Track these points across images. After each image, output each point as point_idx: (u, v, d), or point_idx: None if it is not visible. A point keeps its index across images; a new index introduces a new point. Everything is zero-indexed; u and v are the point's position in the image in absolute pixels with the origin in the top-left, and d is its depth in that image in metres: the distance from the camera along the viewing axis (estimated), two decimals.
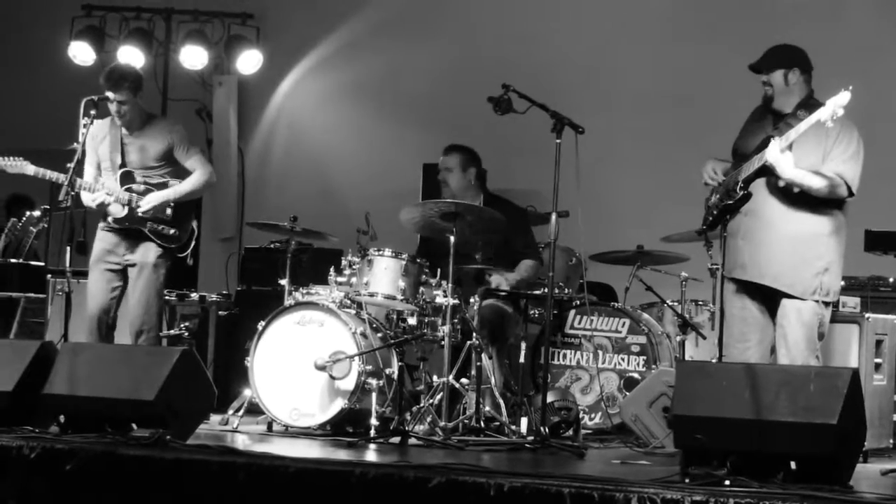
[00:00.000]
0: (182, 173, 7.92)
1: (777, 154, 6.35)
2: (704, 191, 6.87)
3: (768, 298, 6.62)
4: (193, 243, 7.98)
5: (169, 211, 7.83)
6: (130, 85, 7.78)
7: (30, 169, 7.75)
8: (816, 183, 6.42)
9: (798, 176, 6.40)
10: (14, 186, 10.64)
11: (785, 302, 6.54)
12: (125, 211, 7.79)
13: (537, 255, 8.15)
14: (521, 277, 7.98)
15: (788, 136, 6.37)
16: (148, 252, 7.80)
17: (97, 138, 7.88)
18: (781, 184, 6.47)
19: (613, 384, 8.33)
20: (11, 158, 7.79)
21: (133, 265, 7.80)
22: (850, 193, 6.52)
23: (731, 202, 6.60)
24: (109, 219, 7.84)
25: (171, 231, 7.83)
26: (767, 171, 6.52)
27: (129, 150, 7.87)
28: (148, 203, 7.75)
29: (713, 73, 9.81)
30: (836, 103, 6.20)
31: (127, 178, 7.84)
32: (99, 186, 7.78)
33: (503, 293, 7.90)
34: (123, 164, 7.85)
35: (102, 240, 7.86)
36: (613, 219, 9.90)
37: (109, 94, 7.69)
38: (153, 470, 5.52)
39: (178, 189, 7.86)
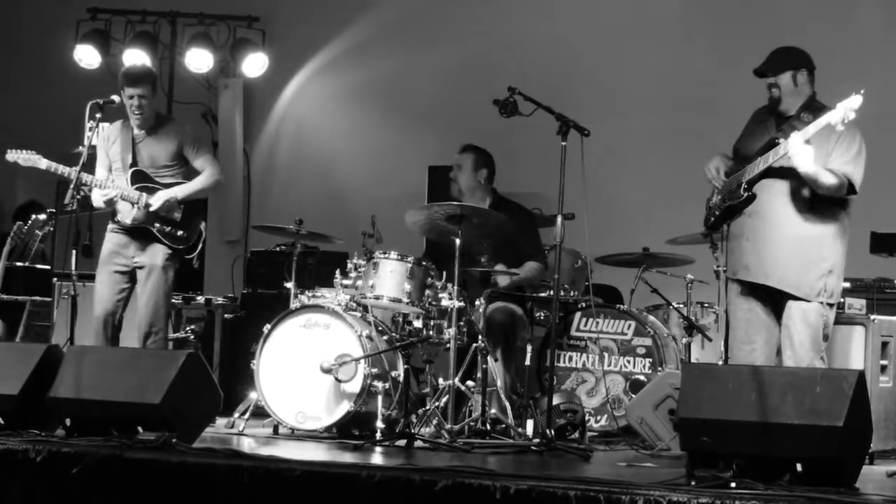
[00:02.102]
0: (193, 174, 7.94)
1: (801, 146, 6.32)
2: (709, 193, 6.88)
3: (773, 300, 6.63)
4: (201, 245, 7.98)
5: (178, 214, 7.83)
6: (151, 82, 7.86)
7: (42, 163, 7.77)
8: (828, 180, 6.42)
9: (815, 171, 6.39)
10: (26, 194, 10.68)
11: (790, 303, 6.55)
12: (134, 210, 7.80)
13: (542, 259, 8.15)
14: (524, 278, 7.98)
15: (807, 132, 6.35)
16: (156, 254, 7.80)
17: (109, 140, 7.91)
18: (797, 186, 6.46)
19: (619, 386, 8.32)
20: (25, 152, 7.80)
21: (142, 267, 7.81)
22: (851, 192, 6.52)
23: (734, 203, 6.62)
24: (118, 217, 7.85)
25: (180, 232, 7.83)
26: (772, 172, 6.53)
27: (140, 150, 7.89)
28: (158, 200, 7.76)
29: (719, 75, 9.80)
30: (847, 106, 6.20)
31: (137, 178, 7.85)
32: (110, 184, 7.80)
33: (507, 293, 7.90)
34: (135, 164, 7.86)
35: (111, 241, 7.87)
36: (619, 221, 9.89)
37: (131, 90, 7.71)
38: (159, 473, 5.51)
39: (187, 187, 7.88)
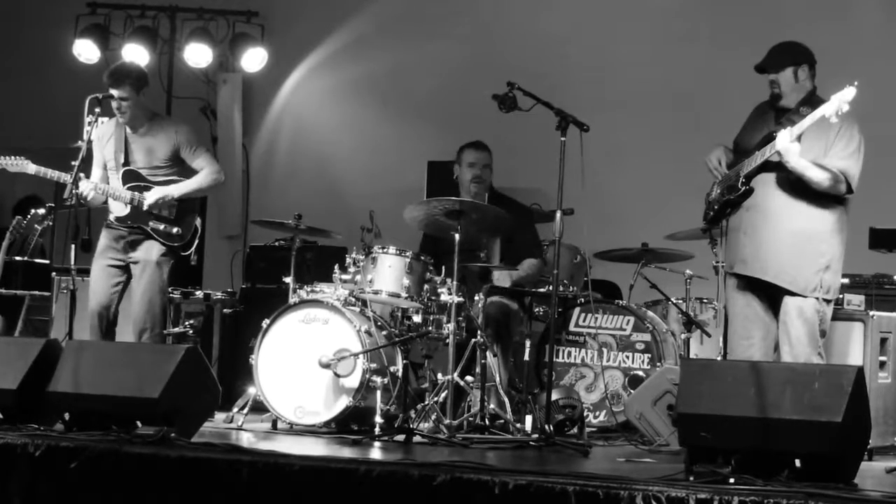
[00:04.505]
0: (189, 173, 7.90)
1: (788, 143, 6.35)
2: (709, 188, 6.88)
3: (771, 295, 6.64)
4: (197, 241, 7.96)
5: (172, 211, 7.81)
6: (132, 82, 7.77)
7: (31, 168, 7.74)
8: (819, 175, 6.44)
9: (803, 166, 6.41)
10: (26, 188, 10.69)
11: (787, 299, 6.56)
12: (127, 209, 7.79)
13: (541, 254, 8.15)
14: (524, 275, 7.99)
15: (802, 126, 6.37)
16: (151, 250, 7.79)
17: (103, 138, 7.88)
18: (793, 178, 6.47)
19: (618, 382, 8.32)
20: (13, 157, 7.78)
21: (136, 263, 7.80)
22: (850, 190, 6.53)
23: (732, 197, 6.63)
24: (111, 217, 7.84)
25: (174, 230, 7.81)
26: (770, 166, 6.55)
27: (134, 150, 7.87)
28: (152, 196, 7.74)
29: (718, 71, 9.80)
30: (841, 99, 6.22)
31: (129, 177, 7.83)
32: (102, 185, 7.78)
33: (508, 290, 7.91)
34: (127, 163, 7.85)
35: (106, 236, 7.86)
36: (618, 216, 9.89)
37: (112, 91, 7.70)
38: (158, 468, 5.52)
39: (183, 185, 7.85)
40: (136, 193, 7.78)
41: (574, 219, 8.06)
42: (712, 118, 9.09)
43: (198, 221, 7.99)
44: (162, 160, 7.86)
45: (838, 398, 5.19)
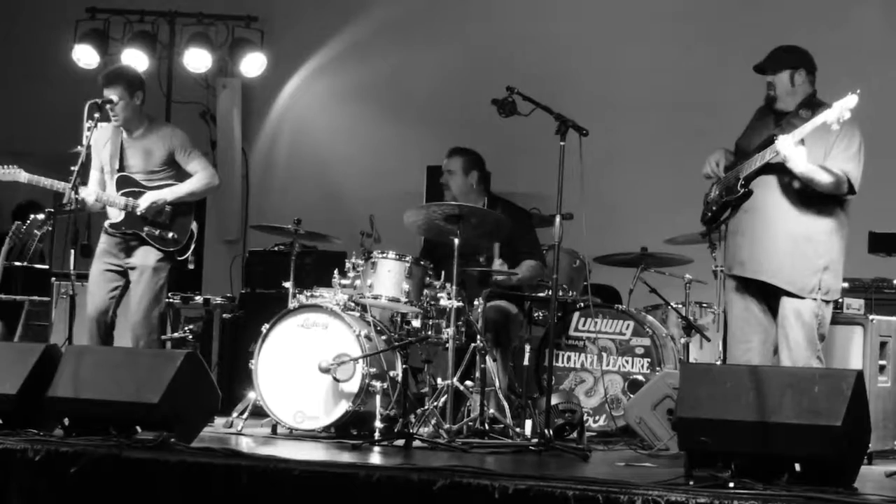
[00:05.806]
0: (186, 177, 7.88)
1: (792, 148, 6.33)
2: (708, 188, 6.88)
3: (769, 298, 6.63)
4: (193, 245, 7.93)
5: (168, 209, 7.78)
6: (125, 83, 7.74)
7: (23, 176, 7.71)
8: (825, 178, 6.42)
9: (809, 170, 6.39)
10: (25, 193, 10.69)
11: (784, 301, 6.55)
12: (122, 216, 7.76)
13: (540, 256, 8.15)
14: (523, 277, 7.97)
15: (803, 131, 6.35)
16: (148, 256, 7.76)
17: (100, 142, 7.85)
18: (794, 182, 6.47)
19: (617, 386, 8.32)
20: (4, 166, 7.76)
21: (134, 268, 7.77)
22: (851, 191, 6.52)
23: (730, 198, 6.63)
24: (107, 223, 7.82)
25: (169, 235, 7.77)
26: (770, 169, 6.54)
27: (129, 155, 7.83)
28: (145, 201, 7.71)
29: (718, 75, 9.81)
30: (843, 106, 6.21)
31: (123, 183, 7.81)
32: (102, 194, 7.76)
33: (507, 293, 7.90)
34: (122, 169, 7.83)
35: (104, 242, 7.84)
36: (617, 221, 9.90)
37: (105, 92, 7.68)
38: (157, 473, 5.51)
39: (176, 189, 7.81)
40: (130, 199, 7.75)
41: (573, 223, 8.05)
42: (712, 123, 9.08)
43: (193, 225, 7.94)
44: (158, 164, 7.83)
45: (838, 402, 5.19)
